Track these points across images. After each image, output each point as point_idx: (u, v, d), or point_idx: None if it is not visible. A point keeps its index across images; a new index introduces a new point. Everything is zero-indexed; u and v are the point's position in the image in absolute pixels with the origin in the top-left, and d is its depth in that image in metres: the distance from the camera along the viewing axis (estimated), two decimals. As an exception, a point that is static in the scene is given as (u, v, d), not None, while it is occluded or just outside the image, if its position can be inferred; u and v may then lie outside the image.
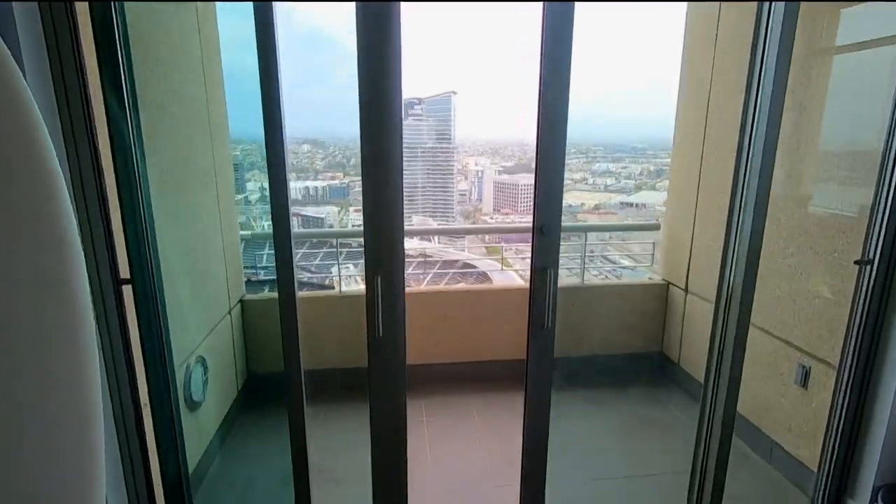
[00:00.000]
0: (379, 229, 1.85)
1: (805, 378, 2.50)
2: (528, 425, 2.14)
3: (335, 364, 3.19)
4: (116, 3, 1.62)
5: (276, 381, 3.37)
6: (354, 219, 13.66)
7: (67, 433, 0.64)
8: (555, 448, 2.07)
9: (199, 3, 2.70)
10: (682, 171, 3.37)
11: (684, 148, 3.34)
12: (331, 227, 13.66)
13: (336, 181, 14.13)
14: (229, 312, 2.96)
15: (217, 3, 2.88)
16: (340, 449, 2.82)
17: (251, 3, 1.58)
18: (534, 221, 1.93)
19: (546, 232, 1.92)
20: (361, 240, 1.91)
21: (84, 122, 1.59)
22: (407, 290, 3.65)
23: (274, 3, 1.63)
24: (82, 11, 1.54)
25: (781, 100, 1.93)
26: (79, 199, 1.63)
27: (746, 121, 2.04)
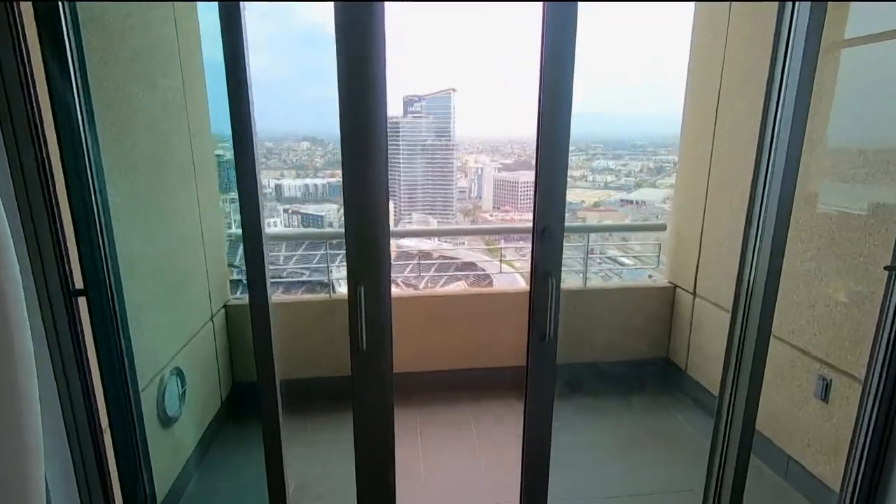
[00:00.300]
0: (361, 233, 1.64)
1: (826, 391, 2.29)
2: (527, 439, 1.94)
3: (325, 372, 2.99)
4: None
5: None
6: (354, 216, 13.43)
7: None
8: (555, 462, 1.88)
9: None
10: (689, 169, 3.16)
11: (692, 144, 3.12)
12: (330, 224, 13.45)
13: (335, 179, 13.92)
14: (211, 319, 2.76)
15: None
16: (328, 462, 2.62)
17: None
18: (534, 223, 1.72)
19: (548, 236, 1.72)
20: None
21: (26, 112, 1.39)
22: (401, 294, 3.45)
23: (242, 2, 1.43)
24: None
25: (807, 99, 1.75)
26: (22, 202, 1.43)
27: (768, 120, 1.85)
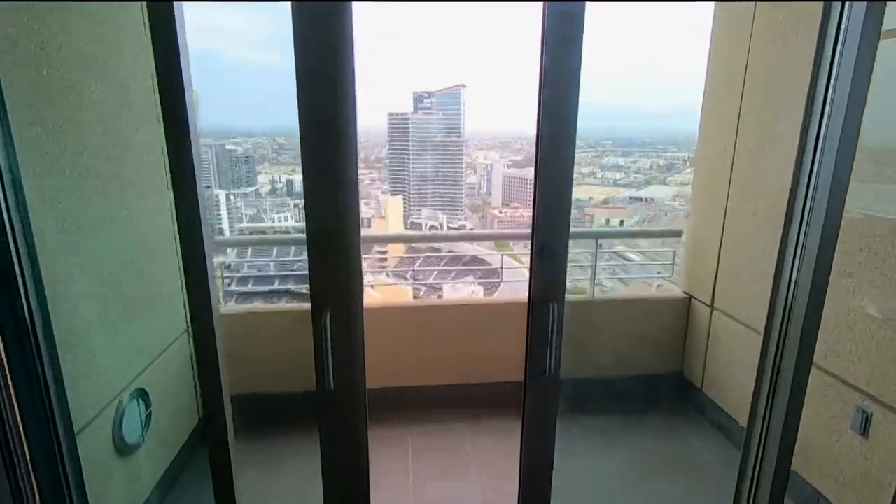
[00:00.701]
0: (326, 244, 1.34)
1: (865, 424, 1.96)
2: (525, 483, 1.65)
3: (307, 386, 2.70)
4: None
5: (247, 405, 2.90)
6: (363, 212, 13.24)
7: None
8: (558, 493, 1.63)
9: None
10: (707, 171, 2.82)
11: (710, 144, 2.78)
12: (340, 220, 13.17)
13: (346, 174, 13.67)
14: (187, 331, 2.49)
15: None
16: (301, 484, 2.34)
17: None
18: (532, 240, 1.42)
19: (548, 254, 1.41)
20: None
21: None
22: (394, 303, 3.16)
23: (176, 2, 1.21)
24: None
25: (861, 102, 1.44)
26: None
27: (811, 123, 1.52)
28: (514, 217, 13.26)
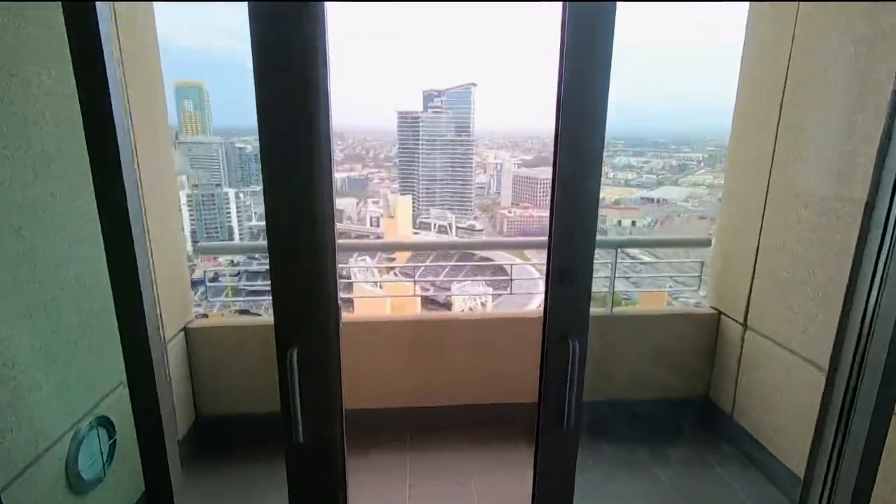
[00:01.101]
0: (292, 272, 1.05)
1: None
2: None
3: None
4: None
5: (234, 424, 2.63)
6: (372, 211, 13.00)
7: None
8: None
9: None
10: (742, 173, 2.48)
11: (745, 143, 2.44)
12: (349, 219, 13.00)
13: (355, 173, 13.44)
14: (164, 346, 2.22)
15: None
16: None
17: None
18: (549, 261, 1.12)
19: (568, 280, 1.11)
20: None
21: None
22: (393, 317, 2.87)
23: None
24: None
25: None
26: None
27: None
28: (523, 217, 12.93)
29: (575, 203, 1.06)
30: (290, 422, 1.09)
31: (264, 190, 1.01)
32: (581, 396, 1.16)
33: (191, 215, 11.35)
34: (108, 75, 0.94)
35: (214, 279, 3.90)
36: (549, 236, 1.09)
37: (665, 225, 12.99)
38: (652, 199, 12.38)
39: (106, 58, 0.94)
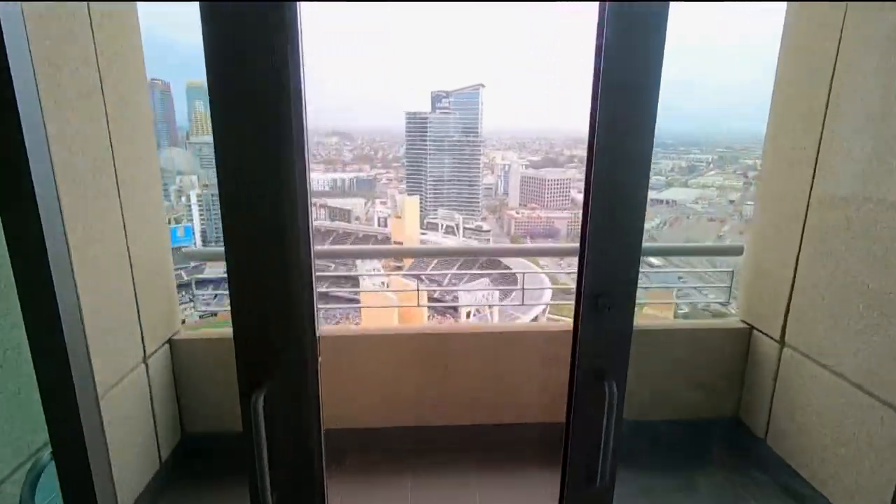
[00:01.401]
0: (254, 297, 0.82)
1: None
2: None
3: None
4: None
5: (222, 442, 2.40)
6: (380, 211, 12.79)
7: None
8: None
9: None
10: (780, 173, 2.22)
11: (783, 142, 2.18)
12: (357, 219, 12.80)
13: (363, 173, 13.25)
14: (145, 360, 2.00)
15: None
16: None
17: None
18: (579, 286, 0.88)
19: (603, 306, 0.87)
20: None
21: None
22: (395, 329, 2.64)
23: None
24: None
25: None
26: None
27: None
28: (531, 218, 12.69)
29: (616, 215, 0.82)
30: (256, 483, 0.86)
31: (220, 199, 0.78)
32: (619, 450, 0.93)
33: (201, 215, 11.21)
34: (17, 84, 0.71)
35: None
36: (581, 255, 0.85)
37: (674, 227, 12.70)
38: (661, 201, 12.08)
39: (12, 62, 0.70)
